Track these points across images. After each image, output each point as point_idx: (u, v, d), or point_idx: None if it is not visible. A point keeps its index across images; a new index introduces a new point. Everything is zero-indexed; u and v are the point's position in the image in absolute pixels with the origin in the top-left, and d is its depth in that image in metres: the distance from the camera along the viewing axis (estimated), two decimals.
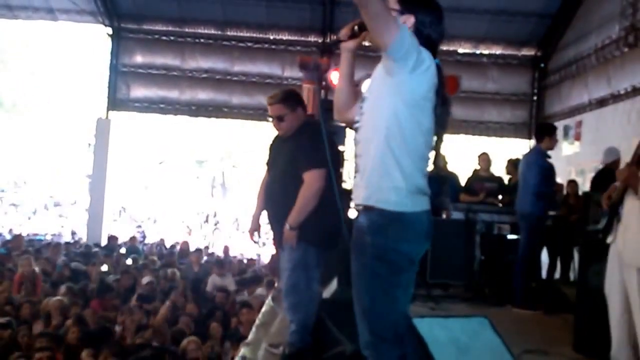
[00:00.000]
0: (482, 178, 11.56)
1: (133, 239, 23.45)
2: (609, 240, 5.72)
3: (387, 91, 3.76)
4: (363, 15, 3.56)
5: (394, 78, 3.71)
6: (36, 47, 46.20)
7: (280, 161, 5.98)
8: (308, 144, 5.74)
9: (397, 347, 3.85)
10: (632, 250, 5.44)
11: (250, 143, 43.53)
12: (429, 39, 3.87)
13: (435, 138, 3.94)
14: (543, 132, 9.71)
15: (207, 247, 25.01)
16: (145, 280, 13.78)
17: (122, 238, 23.18)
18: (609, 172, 9.02)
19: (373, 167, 3.78)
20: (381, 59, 3.79)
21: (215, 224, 40.82)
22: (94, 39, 33.39)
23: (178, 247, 22.98)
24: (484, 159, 11.94)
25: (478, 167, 11.91)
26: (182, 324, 11.13)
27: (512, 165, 12.13)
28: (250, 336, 7.34)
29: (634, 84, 14.13)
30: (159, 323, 11.00)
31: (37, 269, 14.14)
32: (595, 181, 10.75)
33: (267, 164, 6.27)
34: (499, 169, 12.53)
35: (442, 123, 3.94)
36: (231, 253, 23.60)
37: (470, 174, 11.96)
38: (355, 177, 3.93)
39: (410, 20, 3.84)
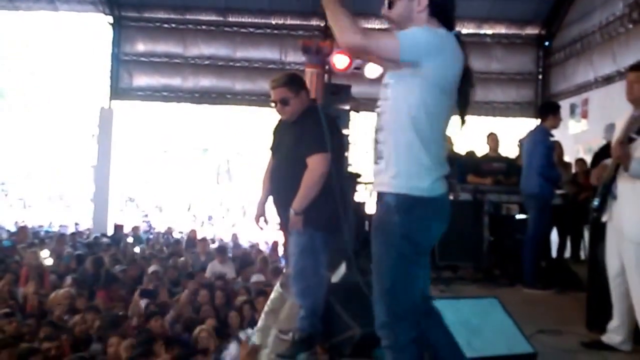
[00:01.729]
0: (491, 158, 11.47)
1: (136, 228, 23.44)
2: (604, 218, 5.77)
3: (411, 79, 3.73)
4: (364, 52, 3.77)
5: (418, 69, 3.69)
6: (37, 40, 46.18)
7: (285, 146, 5.91)
8: (312, 128, 5.68)
9: (413, 328, 3.85)
10: (631, 226, 5.52)
11: (254, 129, 43.50)
12: (447, 11, 3.88)
13: (459, 115, 4.03)
14: (547, 110, 9.63)
15: (213, 237, 24.97)
16: (151, 269, 13.71)
17: (129, 228, 23.16)
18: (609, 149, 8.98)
19: (399, 154, 3.78)
20: None
21: (226, 211, 40.88)
22: (95, 28, 33.34)
23: (185, 236, 22.98)
24: (493, 139, 11.88)
25: (487, 147, 11.85)
26: (204, 312, 11.09)
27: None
28: (260, 322, 7.33)
29: None
30: (181, 310, 11.02)
31: (43, 261, 14.11)
32: (596, 158, 10.66)
33: (272, 149, 6.20)
34: (506, 149, 12.44)
35: (466, 98, 3.98)
36: (240, 240, 23.59)
37: (477, 154, 11.88)
38: (378, 163, 3.89)
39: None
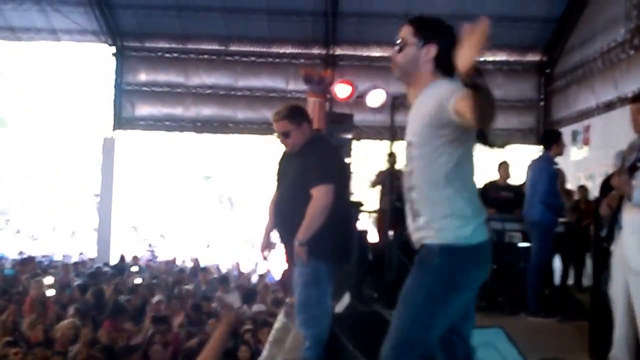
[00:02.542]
0: (499, 187, 11.42)
1: (135, 258, 23.39)
2: (612, 247, 5.77)
3: (439, 137, 3.74)
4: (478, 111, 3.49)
5: (448, 128, 3.68)
6: (40, 70, 46.30)
7: (289, 177, 5.96)
8: (315, 159, 5.73)
9: None
10: (634, 256, 5.53)
11: (256, 157, 43.53)
12: (452, 64, 3.85)
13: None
14: (549, 139, 9.66)
15: (216, 265, 24.92)
16: (156, 299, 13.68)
17: (132, 257, 23.11)
18: None
19: (439, 209, 3.79)
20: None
21: (228, 239, 40.85)
22: (98, 58, 33.43)
23: (186, 265, 22.97)
24: (504, 168, 11.78)
25: (497, 175, 11.77)
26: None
27: None
28: (264, 352, 7.31)
29: None
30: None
31: (47, 291, 14.10)
32: (604, 185, 10.66)
33: (276, 179, 6.22)
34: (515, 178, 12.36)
35: (486, 138, 4.01)
36: (241, 269, 23.54)
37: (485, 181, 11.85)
38: (416, 221, 3.90)
39: (432, 50, 3.86)
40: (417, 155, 3.85)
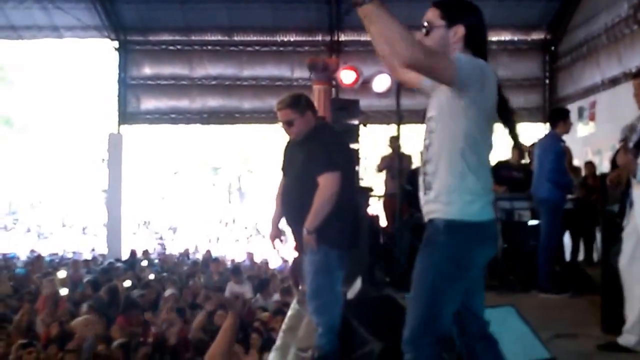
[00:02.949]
0: (511, 166, 11.37)
1: (146, 252, 23.44)
2: (624, 223, 5.80)
3: (458, 111, 3.77)
4: (420, 71, 3.70)
5: (464, 100, 3.72)
6: (44, 67, 46.31)
7: (295, 165, 5.97)
8: (320, 147, 5.74)
9: (438, 346, 3.88)
10: None
11: (265, 146, 43.53)
12: (481, 43, 3.92)
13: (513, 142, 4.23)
14: (557, 117, 9.64)
15: (227, 257, 24.96)
16: (168, 292, 13.72)
17: (143, 251, 23.16)
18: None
19: (451, 184, 3.81)
20: None
21: (239, 229, 40.90)
22: (101, 53, 33.44)
23: (198, 256, 23.00)
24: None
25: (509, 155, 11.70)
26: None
27: None
28: (278, 341, 7.32)
29: None
30: (197, 334, 11.01)
31: (60, 290, 14.13)
32: (615, 159, 10.65)
33: (282, 168, 6.25)
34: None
35: (512, 121, 4.11)
36: (254, 259, 23.55)
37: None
38: (427, 194, 3.93)
39: (460, 30, 3.86)
40: (435, 129, 3.89)
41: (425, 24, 3.90)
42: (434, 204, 3.87)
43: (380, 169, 14.18)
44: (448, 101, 3.79)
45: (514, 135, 4.16)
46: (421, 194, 3.99)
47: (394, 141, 12.82)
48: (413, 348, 3.85)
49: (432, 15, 3.89)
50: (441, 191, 3.83)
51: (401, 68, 3.93)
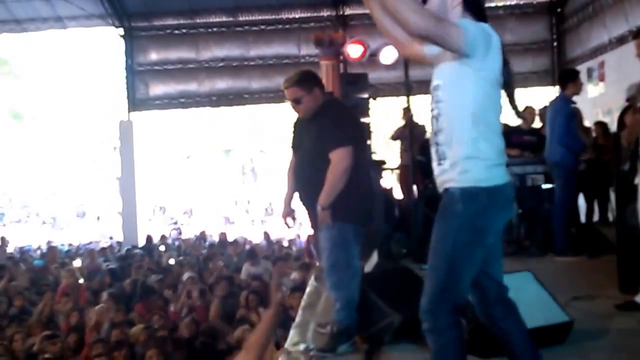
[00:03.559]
0: (523, 131, 11.34)
1: (163, 237, 23.49)
2: (636, 181, 5.79)
3: (465, 78, 3.77)
4: (425, 39, 3.71)
5: (470, 66, 3.73)
6: (51, 59, 46.33)
7: (306, 142, 5.95)
8: (331, 123, 5.73)
9: (454, 314, 3.88)
10: None
11: (276, 126, 43.53)
12: (479, 5, 3.92)
13: (508, 100, 4.13)
14: (566, 78, 9.61)
15: (243, 238, 24.99)
16: (186, 276, 13.73)
17: (159, 237, 23.20)
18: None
19: (464, 152, 3.80)
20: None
21: (253, 210, 41.00)
22: (107, 41, 33.46)
23: (215, 239, 23.05)
24: (530, 112, 11.72)
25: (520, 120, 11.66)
26: (241, 315, 11.06)
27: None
28: (298, 318, 7.34)
29: None
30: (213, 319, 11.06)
31: (80, 279, 14.21)
32: (621, 119, 10.63)
33: (293, 146, 6.25)
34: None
35: (511, 84, 4.08)
36: (271, 238, 23.59)
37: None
38: (441, 164, 3.92)
39: None
40: (443, 98, 3.87)
41: None
42: (450, 174, 3.86)
43: (394, 138, 14.15)
44: (455, 68, 3.78)
45: (511, 99, 4.16)
46: (435, 164, 3.98)
47: (406, 112, 12.83)
48: (431, 317, 3.85)
49: None
50: (456, 160, 3.82)
51: (412, 38, 3.90)
